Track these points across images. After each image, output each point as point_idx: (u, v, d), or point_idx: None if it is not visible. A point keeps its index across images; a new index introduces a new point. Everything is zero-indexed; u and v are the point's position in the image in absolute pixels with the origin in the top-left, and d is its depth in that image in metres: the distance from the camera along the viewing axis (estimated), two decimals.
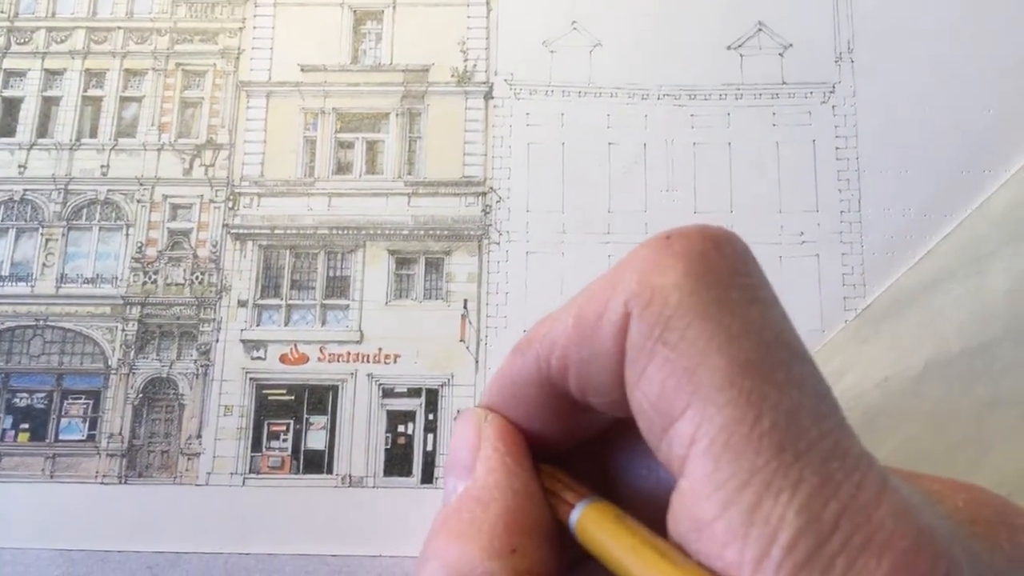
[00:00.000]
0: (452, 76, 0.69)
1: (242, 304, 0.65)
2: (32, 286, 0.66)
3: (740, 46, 0.67)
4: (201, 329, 0.65)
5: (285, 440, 0.62)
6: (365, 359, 0.64)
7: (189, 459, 0.61)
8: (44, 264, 0.66)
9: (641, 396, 0.25)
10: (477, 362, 0.63)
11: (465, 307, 0.64)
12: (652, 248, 0.26)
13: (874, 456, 0.23)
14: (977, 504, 0.25)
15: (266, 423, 0.62)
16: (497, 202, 0.66)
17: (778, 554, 0.21)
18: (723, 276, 0.25)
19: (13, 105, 0.69)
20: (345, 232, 0.66)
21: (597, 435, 0.32)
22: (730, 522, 0.22)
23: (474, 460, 0.30)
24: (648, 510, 0.27)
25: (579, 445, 0.32)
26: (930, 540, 0.21)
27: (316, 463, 0.62)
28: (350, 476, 0.60)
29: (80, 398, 0.64)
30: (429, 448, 0.62)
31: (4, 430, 0.62)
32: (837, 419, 0.23)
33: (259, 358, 0.64)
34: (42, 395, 0.64)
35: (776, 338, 0.24)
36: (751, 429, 0.22)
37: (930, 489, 0.25)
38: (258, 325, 0.65)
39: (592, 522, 0.27)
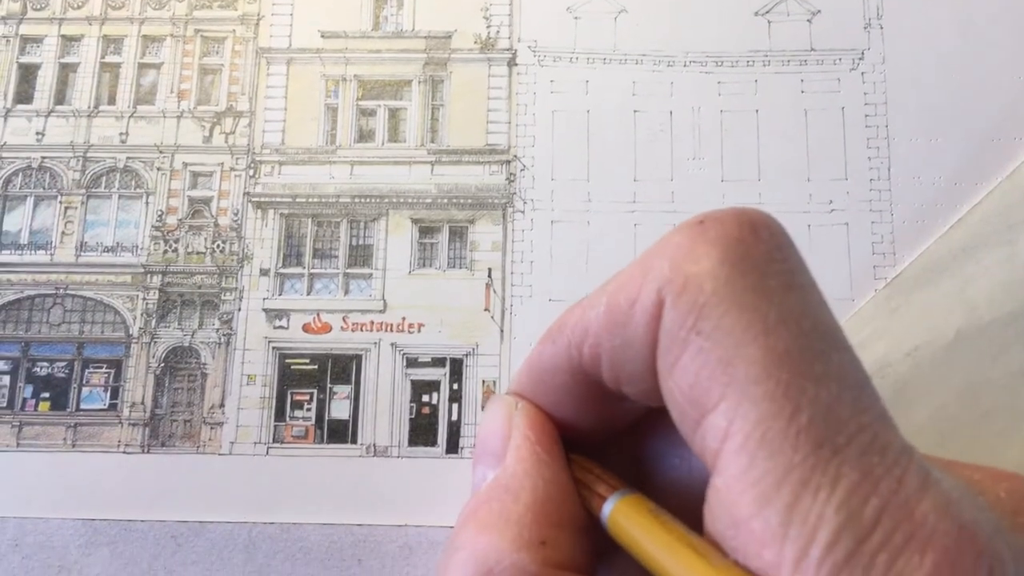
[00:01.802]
0: (475, 43, 0.68)
1: (264, 273, 0.64)
2: (51, 254, 0.65)
3: (768, 12, 0.66)
4: (223, 298, 0.64)
5: (309, 410, 0.62)
6: (389, 328, 0.63)
7: (212, 428, 0.61)
8: (63, 232, 0.66)
9: (674, 386, 0.24)
10: (502, 332, 0.62)
11: (489, 276, 0.64)
12: (685, 233, 0.25)
13: (915, 448, 0.23)
14: (1020, 494, 0.25)
15: (289, 392, 0.62)
16: (521, 170, 0.65)
17: (818, 553, 0.20)
18: (759, 262, 0.24)
19: (30, 72, 0.68)
20: (367, 200, 0.66)
21: (629, 425, 0.31)
22: (768, 521, 0.21)
23: (504, 448, 0.29)
24: (681, 500, 0.27)
25: (611, 435, 0.31)
26: (973, 536, 0.21)
27: (340, 433, 0.61)
28: (374, 446, 0.60)
29: (101, 367, 0.63)
30: (454, 418, 0.61)
31: (25, 399, 0.62)
32: (877, 411, 0.23)
33: (282, 327, 0.63)
34: (63, 364, 0.63)
35: (814, 327, 0.23)
36: (788, 424, 0.22)
37: (971, 479, 0.24)
38: (280, 294, 0.64)
39: (625, 516, 0.27)
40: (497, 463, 0.29)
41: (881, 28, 0.66)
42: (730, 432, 0.22)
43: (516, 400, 0.30)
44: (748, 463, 0.22)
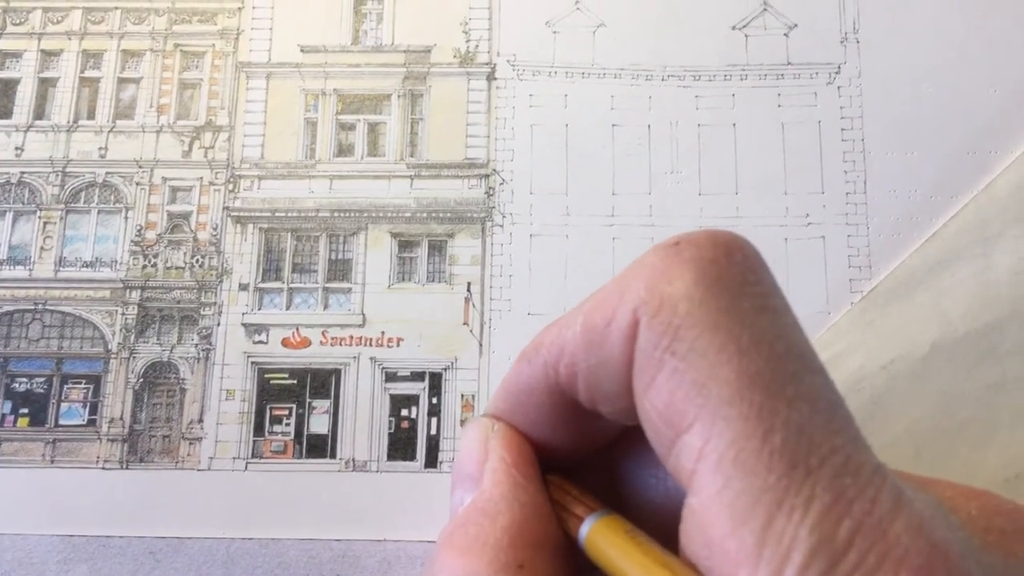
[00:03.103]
0: (454, 57, 0.68)
1: (243, 288, 0.64)
2: (30, 270, 0.65)
3: (745, 26, 0.67)
4: (202, 313, 0.64)
5: (288, 424, 0.62)
6: (368, 343, 0.63)
7: (191, 444, 0.61)
8: (42, 247, 0.65)
9: (649, 406, 0.25)
10: (481, 346, 0.62)
11: (468, 290, 0.64)
12: (661, 255, 0.25)
13: (888, 468, 0.23)
14: (990, 511, 0.25)
15: (268, 407, 0.62)
16: (500, 184, 0.65)
17: (791, 574, 0.21)
18: (733, 285, 0.24)
19: (9, 86, 0.68)
20: (347, 215, 0.66)
21: (606, 444, 0.31)
22: (742, 541, 0.21)
23: (481, 472, 0.29)
24: (658, 520, 0.27)
25: (588, 454, 0.31)
26: (945, 555, 0.21)
27: (319, 447, 0.61)
28: (353, 460, 0.60)
29: (80, 382, 0.63)
30: (433, 432, 0.61)
31: (3, 415, 0.62)
32: (850, 432, 0.23)
33: (261, 342, 0.63)
34: (42, 380, 0.63)
35: (787, 349, 0.24)
36: (761, 445, 0.22)
37: (943, 497, 0.25)
38: (259, 309, 0.64)
39: (602, 537, 0.27)
40: (474, 486, 0.29)
41: (857, 42, 0.66)
42: (704, 452, 0.23)
43: (492, 422, 0.30)
44: (722, 483, 0.22)
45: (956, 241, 0.60)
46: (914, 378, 0.56)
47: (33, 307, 0.64)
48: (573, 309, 0.28)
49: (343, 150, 0.68)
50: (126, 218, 0.66)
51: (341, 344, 0.63)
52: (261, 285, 0.65)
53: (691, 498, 0.23)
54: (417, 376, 0.63)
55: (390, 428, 0.61)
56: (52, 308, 0.65)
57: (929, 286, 0.58)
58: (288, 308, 0.65)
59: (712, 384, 0.23)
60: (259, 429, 0.61)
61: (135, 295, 0.65)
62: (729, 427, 0.22)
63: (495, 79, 0.68)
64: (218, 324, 0.64)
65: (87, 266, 0.65)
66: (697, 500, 0.23)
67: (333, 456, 0.61)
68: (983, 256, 0.58)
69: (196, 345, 0.63)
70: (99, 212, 0.67)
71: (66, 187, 0.67)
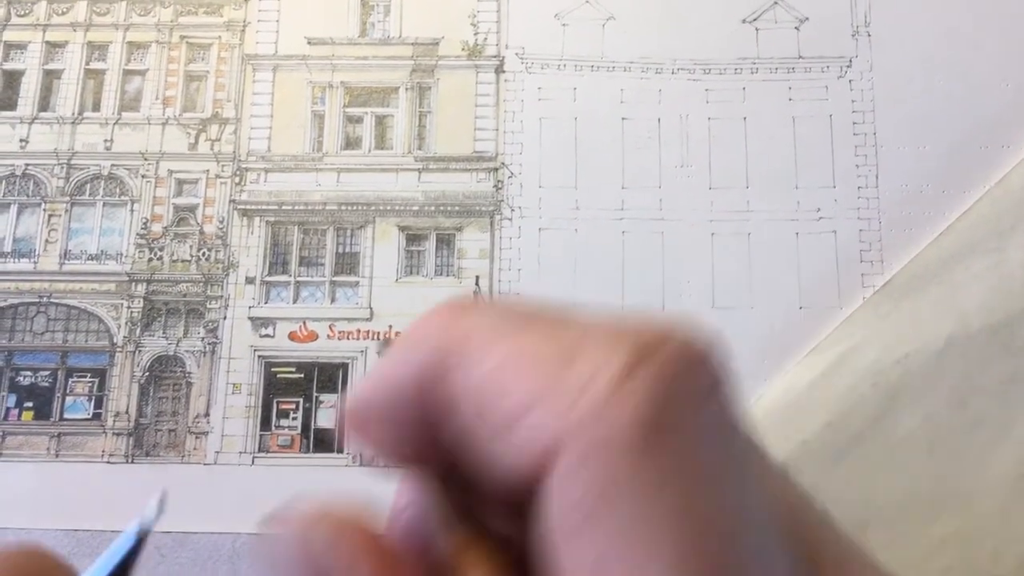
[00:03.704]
0: (462, 50, 0.68)
1: (250, 281, 0.64)
2: (35, 262, 0.65)
3: (756, 19, 0.66)
4: (208, 306, 0.63)
5: (295, 418, 0.61)
6: (375, 336, 0.63)
7: (197, 438, 0.60)
8: (47, 240, 0.65)
9: (553, 549, 0.19)
10: None
11: (477, 284, 0.63)
12: (610, 366, 0.19)
13: None
14: None
15: (275, 401, 0.62)
16: (509, 178, 0.65)
17: None
18: (689, 434, 0.20)
19: (14, 78, 0.68)
20: (354, 208, 0.65)
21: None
22: None
23: None
24: None
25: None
26: None
27: (326, 442, 0.61)
28: (361, 455, 0.60)
29: (85, 376, 0.63)
30: None
31: (8, 409, 0.61)
32: None
33: (267, 335, 0.63)
34: (46, 373, 0.63)
35: (739, 526, 0.19)
36: None
37: None
38: (266, 302, 0.64)
39: None
40: None
41: (869, 36, 0.66)
42: None
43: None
44: None
45: (970, 235, 0.59)
46: (928, 372, 0.56)
47: (38, 300, 0.64)
48: (500, 315, 0.21)
49: (350, 143, 0.68)
50: (132, 211, 0.66)
51: (348, 338, 0.63)
52: (268, 278, 0.64)
53: None
54: None
55: None
56: (57, 301, 0.64)
57: (943, 280, 0.58)
58: (295, 301, 0.64)
59: (650, 565, 0.18)
60: (266, 423, 0.61)
61: (141, 288, 0.64)
62: None
63: (504, 72, 0.67)
64: (224, 317, 0.63)
65: (92, 259, 0.65)
66: None
67: (340, 451, 0.60)
68: (998, 250, 0.58)
69: (202, 339, 0.63)
70: (104, 205, 0.66)
71: (71, 179, 0.66)
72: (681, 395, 0.19)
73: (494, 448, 0.20)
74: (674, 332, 0.20)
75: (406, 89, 0.68)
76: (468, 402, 0.20)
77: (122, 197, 0.66)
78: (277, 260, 0.65)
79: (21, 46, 0.69)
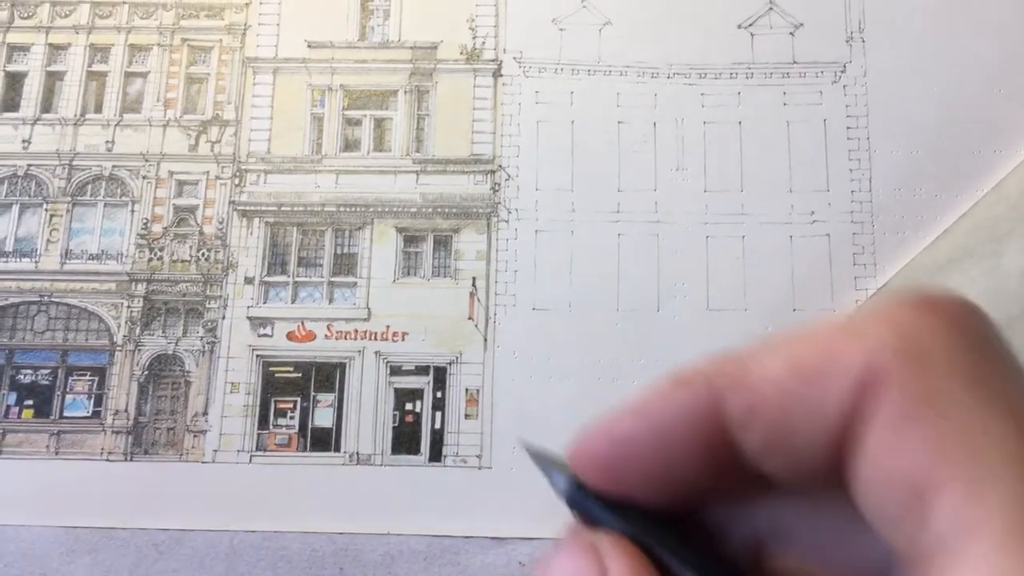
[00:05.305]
0: (461, 54, 0.68)
1: (248, 281, 0.64)
2: (36, 262, 0.65)
3: (751, 25, 0.67)
4: (207, 306, 0.64)
5: (292, 417, 0.62)
6: (373, 336, 0.63)
7: (195, 436, 0.61)
8: (48, 240, 0.66)
9: (883, 464, 0.21)
10: (485, 340, 0.62)
11: (474, 285, 0.64)
12: (907, 305, 0.22)
13: None
14: None
15: (273, 400, 0.62)
16: (506, 180, 0.66)
17: None
18: (990, 345, 0.21)
19: (17, 80, 0.69)
20: (353, 209, 0.66)
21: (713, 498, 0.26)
22: None
23: None
24: None
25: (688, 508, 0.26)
26: None
27: (323, 441, 0.61)
28: (358, 454, 0.60)
29: (85, 375, 0.63)
30: (437, 426, 0.61)
31: (8, 407, 0.62)
32: None
33: (266, 335, 0.63)
34: (46, 371, 0.63)
35: None
36: None
37: None
38: (265, 302, 0.64)
39: None
40: None
41: (863, 41, 0.66)
42: (970, 524, 0.19)
43: (607, 546, 0.23)
44: (997, 558, 0.18)
45: (966, 239, 0.60)
46: None
47: (39, 299, 0.65)
48: (761, 343, 0.23)
49: (349, 145, 0.68)
50: (132, 211, 0.66)
51: (346, 338, 0.63)
52: (267, 279, 0.65)
53: (935, 571, 0.20)
54: (422, 370, 0.63)
55: (394, 422, 0.61)
56: (58, 300, 0.65)
57: (939, 284, 0.58)
58: (293, 302, 0.65)
59: (982, 439, 0.19)
60: (263, 422, 0.61)
61: (141, 288, 0.65)
62: (1006, 494, 0.19)
63: (501, 76, 0.68)
64: (223, 317, 0.64)
65: (93, 259, 0.65)
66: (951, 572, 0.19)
67: (337, 449, 0.61)
68: (993, 255, 0.59)
69: (201, 338, 0.63)
70: (105, 205, 0.67)
71: (73, 180, 0.67)
72: (984, 318, 0.21)
73: (804, 409, 0.21)
74: (931, 295, 0.22)
75: (405, 92, 0.69)
76: (767, 395, 0.22)
77: (123, 198, 0.67)
78: (276, 261, 0.66)
79: (24, 48, 0.69)
